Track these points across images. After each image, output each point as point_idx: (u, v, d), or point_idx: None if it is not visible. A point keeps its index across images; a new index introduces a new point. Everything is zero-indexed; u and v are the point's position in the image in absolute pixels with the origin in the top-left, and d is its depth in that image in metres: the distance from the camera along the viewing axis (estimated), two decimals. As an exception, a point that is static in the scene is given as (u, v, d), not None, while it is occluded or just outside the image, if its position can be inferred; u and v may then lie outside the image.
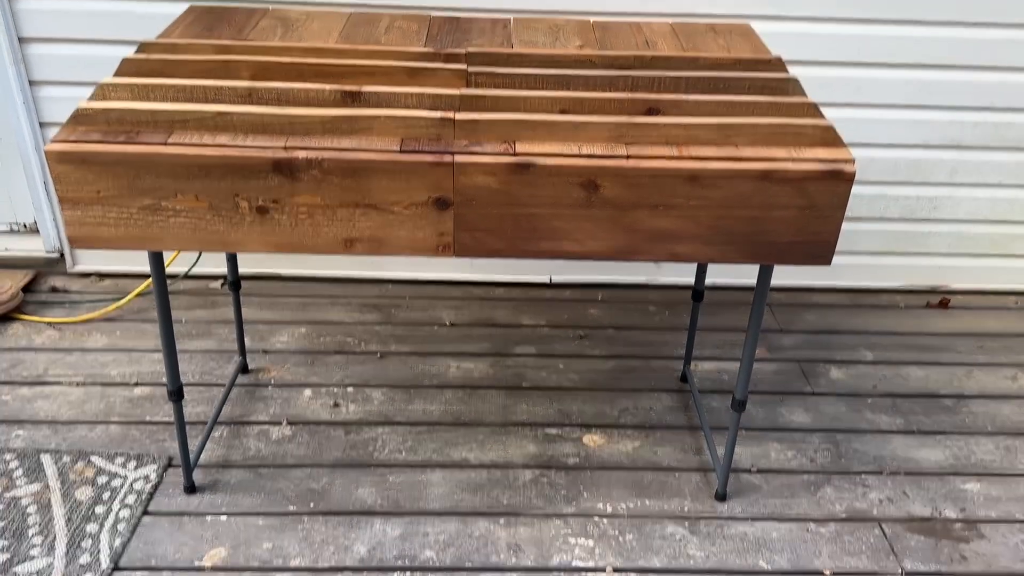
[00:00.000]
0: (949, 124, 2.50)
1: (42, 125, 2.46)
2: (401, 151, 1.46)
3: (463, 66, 1.67)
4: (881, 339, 2.57)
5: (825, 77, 2.40)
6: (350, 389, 2.27)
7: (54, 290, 2.63)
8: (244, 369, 2.32)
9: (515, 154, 1.47)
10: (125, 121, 1.47)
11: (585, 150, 1.48)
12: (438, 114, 1.48)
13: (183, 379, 2.27)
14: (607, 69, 1.74)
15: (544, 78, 1.66)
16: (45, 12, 2.30)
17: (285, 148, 1.45)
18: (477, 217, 1.50)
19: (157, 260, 1.62)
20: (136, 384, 2.26)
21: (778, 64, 1.76)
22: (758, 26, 2.31)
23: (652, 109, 1.57)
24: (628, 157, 1.47)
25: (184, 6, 2.24)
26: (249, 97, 1.54)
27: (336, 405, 2.21)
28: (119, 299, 2.57)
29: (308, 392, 2.26)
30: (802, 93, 1.69)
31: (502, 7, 2.30)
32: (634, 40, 1.95)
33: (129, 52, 2.32)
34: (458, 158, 1.45)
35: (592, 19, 2.12)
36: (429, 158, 1.44)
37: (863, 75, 2.41)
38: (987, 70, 2.42)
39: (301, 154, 1.43)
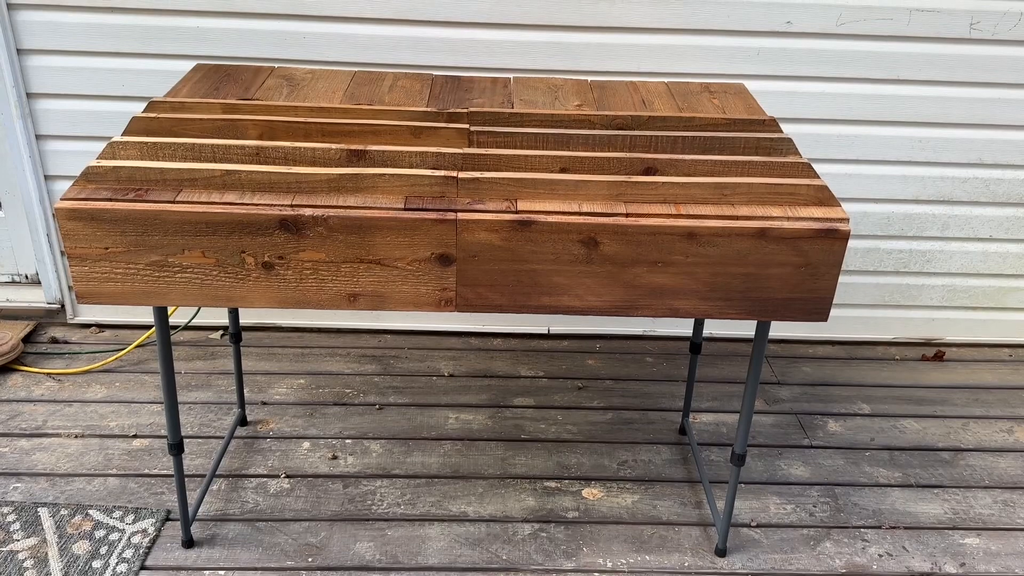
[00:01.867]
0: (940, 180, 2.55)
1: (47, 178, 2.49)
2: (405, 208, 1.49)
3: (465, 125, 1.71)
4: (877, 391, 2.58)
5: (818, 134, 2.45)
6: (348, 441, 2.27)
7: (54, 341, 2.64)
8: (243, 421, 2.32)
9: (517, 212, 1.50)
10: (135, 179, 1.50)
11: (585, 208, 1.51)
12: (441, 173, 1.52)
13: (182, 431, 2.27)
14: (605, 129, 1.78)
15: (544, 137, 1.70)
16: (53, 69, 2.34)
17: (292, 206, 1.48)
18: (479, 273, 1.52)
19: (162, 315, 1.64)
20: (135, 436, 2.26)
21: (772, 124, 1.80)
22: (752, 85, 2.37)
23: (650, 168, 1.61)
24: (627, 215, 1.50)
25: (190, 64, 2.30)
26: (257, 156, 1.58)
27: (334, 457, 2.21)
28: (119, 350, 2.58)
29: (306, 444, 2.26)
30: (796, 152, 1.73)
31: (502, 66, 2.36)
32: (631, 100, 2.00)
33: (135, 108, 2.38)
34: (461, 216, 1.48)
35: (589, 79, 2.17)
36: (433, 215, 1.47)
37: (855, 132, 2.46)
38: (976, 127, 2.48)
39: (307, 211, 1.46)
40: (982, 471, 2.27)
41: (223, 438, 2.25)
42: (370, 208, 1.48)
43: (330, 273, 1.51)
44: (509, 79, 2.13)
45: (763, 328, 1.67)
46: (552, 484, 2.16)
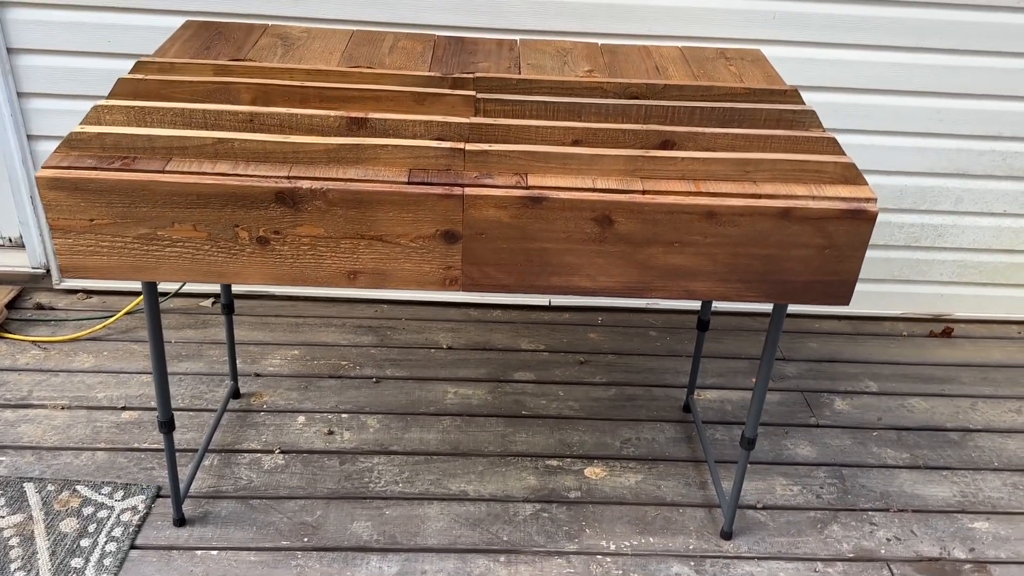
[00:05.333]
0: (956, 152, 2.47)
1: (30, 138, 2.39)
2: (409, 182, 1.41)
3: (471, 92, 1.62)
4: (884, 368, 2.53)
5: (833, 103, 2.37)
6: (344, 416, 2.21)
7: (39, 307, 2.55)
8: (236, 394, 2.25)
9: (527, 187, 1.42)
10: (121, 147, 1.41)
11: (599, 184, 1.43)
12: (447, 144, 1.43)
13: (172, 403, 2.20)
14: (619, 98, 1.69)
15: (555, 106, 1.61)
16: (35, 23, 2.23)
17: (288, 177, 1.39)
18: (486, 251, 1.44)
19: (151, 291, 1.56)
20: (124, 408, 2.19)
21: (794, 95, 1.72)
22: (766, 51, 2.27)
23: (667, 142, 1.52)
24: (644, 192, 1.42)
25: (179, 20, 2.19)
26: (251, 123, 1.48)
27: (330, 433, 2.15)
28: (107, 318, 2.50)
29: (301, 419, 2.19)
30: (819, 125, 1.65)
31: (507, 26, 2.26)
32: (644, 66, 1.91)
33: (122, 66, 2.27)
34: (468, 191, 1.40)
35: (600, 42, 2.08)
36: (438, 190, 1.39)
37: (871, 101, 2.37)
38: (995, 98, 2.39)
39: (305, 184, 1.38)
40: (991, 452, 2.23)
41: (215, 411, 2.19)
42: (372, 181, 1.40)
43: (329, 249, 1.43)
44: (515, 41, 2.03)
45: (780, 311, 1.60)
46: (553, 463, 2.11)
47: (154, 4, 2.21)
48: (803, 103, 1.71)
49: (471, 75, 1.69)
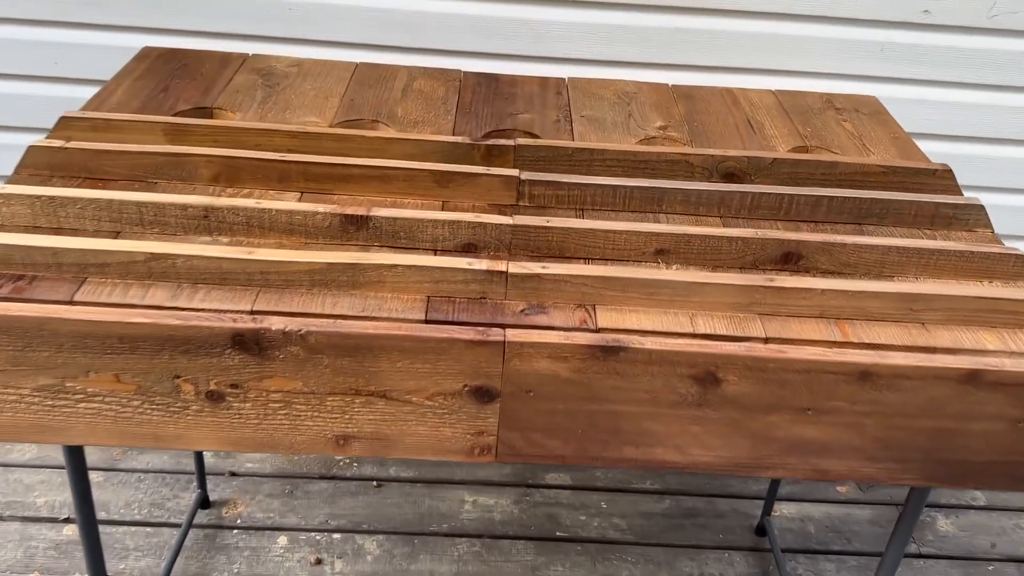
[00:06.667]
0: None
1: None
2: (427, 320, 0.97)
3: (513, 171, 1.18)
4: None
5: (950, 154, 1.91)
6: (336, 536, 1.79)
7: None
8: (205, 503, 1.83)
9: (597, 330, 0.99)
10: (13, 262, 0.98)
11: (701, 326, 1.00)
12: (483, 266, 1.00)
13: (127, 511, 1.79)
14: (711, 177, 1.25)
15: (627, 193, 1.18)
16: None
17: (252, 313, 0.96)
18: (534, 413, 1.01)
19: (74, 454, 1.14)
20: (67, 520, 1.77)
21: (946, 176, 1.27)
22: (871, 89, 1.82)
23: (791, 255, 1.09)
24: (767, 340, 0.99)
25: (141, 39, 1.74)
26: (205, 221, 1.05)
27: (318, 562, 1.73)
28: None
29: (283, 540, 1.77)
30: (987, 224, 1.21)
31: (549, 55, 1.81)
32: (732, 118, 1.47)
33: (71, 94, 1.80)
34: (511, 334, 0.96)
35: (670, 81, 1.63)
36: (469, 334, 0.96)
37: (999, 154, 1.92)
38: None
39: (276, 324, 0.95)
40: None
41: (179, 527, 1.77)
42: (373, 319, 0.97)
43: (309, 408, 1.00)
44: (563, 81, 1.59)
45: (922, 491, 1.17)
46: (598, 609, 1.69)
47: (112, 19, 1.77)
48: (959, 188, 1.27)
49: (511, 141, 1.25)
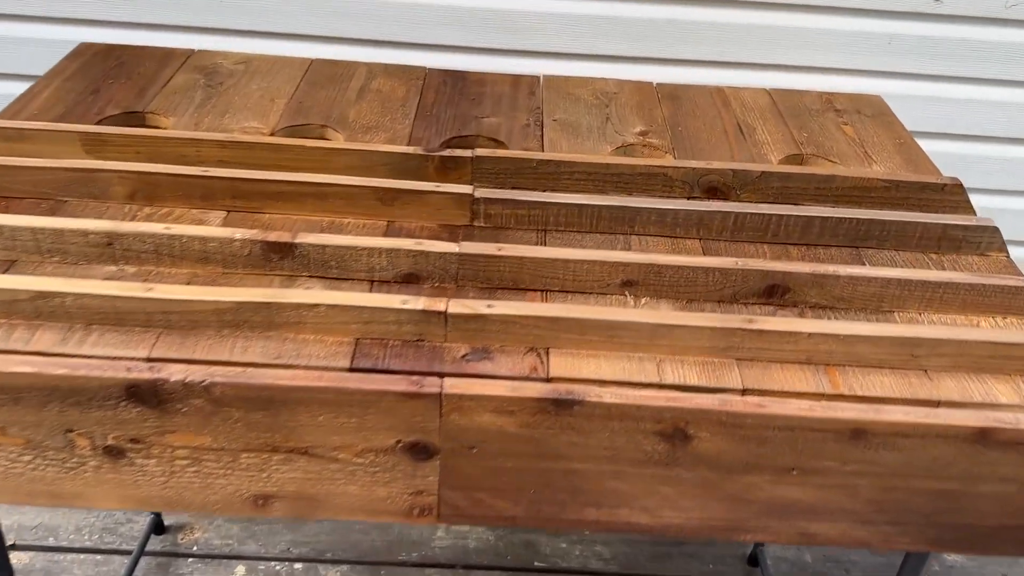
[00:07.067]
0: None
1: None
2: (352, 369, 0.85)
3: (468, 188, 1.05)
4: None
5: (965, 155, 1.77)
6: (298, 566, 1.67)
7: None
8: (159, 528, 1.72)
9: (548, 379, 0.86)
10: None
11: (670, 374, 0.87)
12: (420, 304, 0.87)
13: (77, 537, 1.67)
14: (691, 192, 1.12)
15: (595, 212, 1.04)
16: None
17: (149, 360, 0.84)
18: (478, 472, 0.89)
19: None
20: (13, 547, 1.66)
21: (955, 191, 1.13)
22: (876, 85, 1.68)
23: (776, 287, 0.95)
24: (745, 392, 0.86)
25: (82, 32, 1.61)
26: (109, 248, 0.93)
27: (278, 595, 1.62)
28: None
29: (241, 570, 1.66)
30: (1001, 248, 1.07)
31: (529, 48, 1.66)
32: (720, 122, 1.33)
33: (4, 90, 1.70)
34: (449, 385, 0.83)
35: (656, 78, 1.49)
36: (399, 385, 0.83)
37: (1018, 154, 1.78)
38: None
39: (175, 374, 0.82)
40: None
41: (130, 554, 1.65)
42: (289, 367, 0.84)
43: (221, 466, 0.88)
44: (538, 79, 1.45)
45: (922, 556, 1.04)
46: (576, 648, 1.57)
47: (51, 10, 1.64)
48: (970, 205, 1.13)
49: (468, 152, 1.12)
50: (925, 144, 1.49)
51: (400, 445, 0.87)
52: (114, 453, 0.87)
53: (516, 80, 1.44)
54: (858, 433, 0.84)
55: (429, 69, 1.45)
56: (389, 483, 0.89)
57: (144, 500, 0.91)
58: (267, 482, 0.89)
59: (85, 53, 1.41)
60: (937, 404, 0.86)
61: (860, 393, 0.86)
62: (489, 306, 0.87)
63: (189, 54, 1.42)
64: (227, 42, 1.56)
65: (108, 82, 1.32)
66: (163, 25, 1.57)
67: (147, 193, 1.03)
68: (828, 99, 1.44)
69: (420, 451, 0.87)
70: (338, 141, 1.18)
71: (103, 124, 1.20)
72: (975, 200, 1.31)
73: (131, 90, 1.30)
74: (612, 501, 0.91)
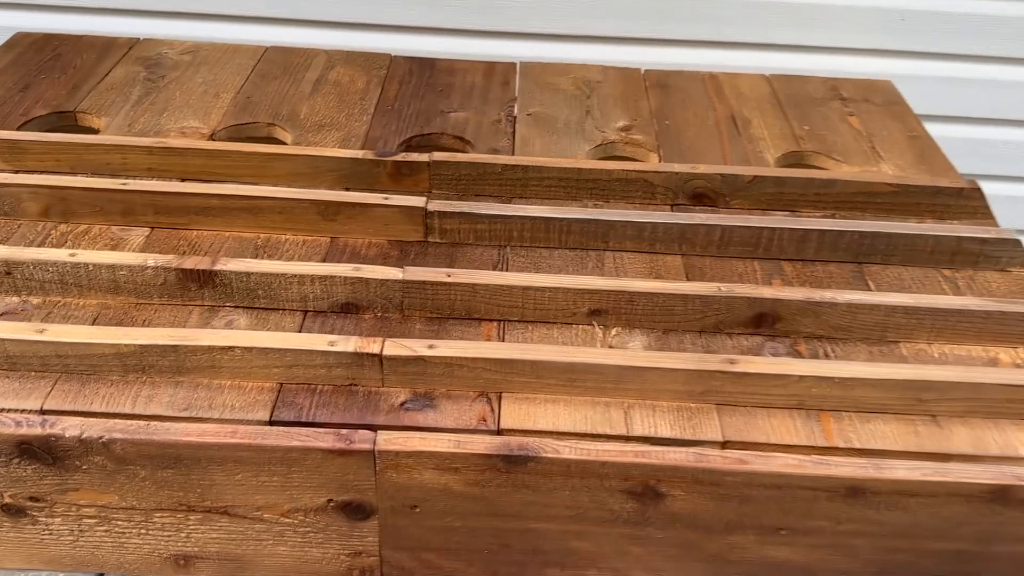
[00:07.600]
0: None
1: None
2: (272, 422, 0.74)
3: (418, 199, 0.94)
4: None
5: (984, 139, 1.64)
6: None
7: None
8: None
9: (499, 431, 0.75)
10: None
11: (638, 424, 0.75)
12: (350, 345, 0.75)
13: None
14: (675, 200, 1.00)
15: (564, 227, 0.93)
16: None
17: (41, 413, 0.73)
18: (424, 531, 0.78)
19: None
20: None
21: (974, 195, 1.01)
22: (890, 67, 1.55)
23: (765, 316, 0.84)
24: (724, 444, 0.74)
25: (27, 18, 1.50)
26: (9, 278, 0.82)
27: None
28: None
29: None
30: (1023, 263, 0.95)
31: (511, 29, 1.54)
32: (712, 114, 1.21)
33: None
34: (383, 440, 0.73)
35: (644, 64, 1.37)
36: (325, 441, 0.72)
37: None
38: None
39: (70, 429, 0.72)
40: None
41: None
42: (198, 420, 0.74)
43: (133, 525, 0.78)
44: (514, 66, 1.33)
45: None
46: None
47: (-3, -6, 1.53)
48: (990, 212, 1.01)
49: (425, 157, 1.00)
50: (941, 129, 1.36)
51: (332, 505, 0.76)
52: (13, 512, 0.77)
53: (490, 68, 1.32)
54: (855, 492, 0.73)
55: (394, 56, 1.32)
56: (323, 543, 0.79)
57: (53, 560, 0.81)
58: (186, 542, 0.79)
59: (20, 44, 1.30)
60: (947, 458, 0.74)
61: (858, 445, 0.74)
62: (431, 347, 0.76)
63: (132, 43, 1.31)
64: (176, 26, 1.44)
65: (40, 77, 1.20)
66: (108, 9, 1.45)
67: (62, 209, 0.92)
68: (834, 86, 1.31)
69: (355, 510, 0.77)
70: (282, 144, 1.07)
71: (28, 126, 1.10)
72: (994, 189, 1.18)
73: (64, 86, 1.18)
74: (577, 561, 0.80)
